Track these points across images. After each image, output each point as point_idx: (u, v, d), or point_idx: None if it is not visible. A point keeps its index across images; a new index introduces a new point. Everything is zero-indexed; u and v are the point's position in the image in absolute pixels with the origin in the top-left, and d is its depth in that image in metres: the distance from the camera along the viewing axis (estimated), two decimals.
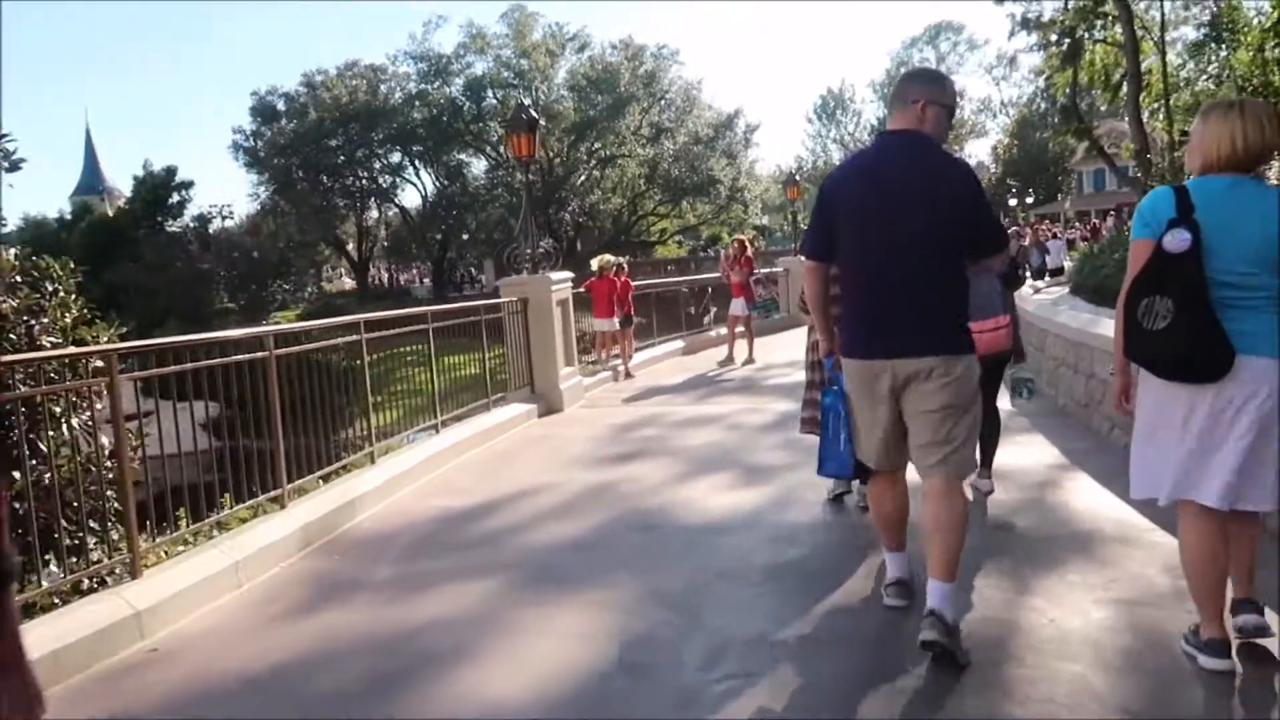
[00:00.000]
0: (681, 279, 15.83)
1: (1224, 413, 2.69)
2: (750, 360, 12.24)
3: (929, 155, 3.19)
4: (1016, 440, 6.49)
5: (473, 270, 57.70)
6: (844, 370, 3.34)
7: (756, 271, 12.51)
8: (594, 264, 11.53)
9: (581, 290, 11.45)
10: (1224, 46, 25.66)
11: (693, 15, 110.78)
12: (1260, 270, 2.67)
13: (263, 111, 47.42)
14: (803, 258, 3.56)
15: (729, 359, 12.35)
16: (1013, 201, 46.01)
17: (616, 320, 11.36)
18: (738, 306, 12.48)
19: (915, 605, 3.35)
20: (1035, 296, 12.60)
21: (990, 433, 4.83)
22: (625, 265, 12.04)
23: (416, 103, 46.28)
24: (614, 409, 9.30)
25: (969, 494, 3.74)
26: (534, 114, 9.74)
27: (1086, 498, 4.87)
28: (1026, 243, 23.07)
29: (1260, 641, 2.88)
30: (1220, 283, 2.66)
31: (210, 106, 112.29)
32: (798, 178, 20.56)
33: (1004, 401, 5.37)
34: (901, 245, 3.11)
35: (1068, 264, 19.54)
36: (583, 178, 46.93)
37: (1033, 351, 9.52)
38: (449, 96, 46.29)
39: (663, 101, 46.49)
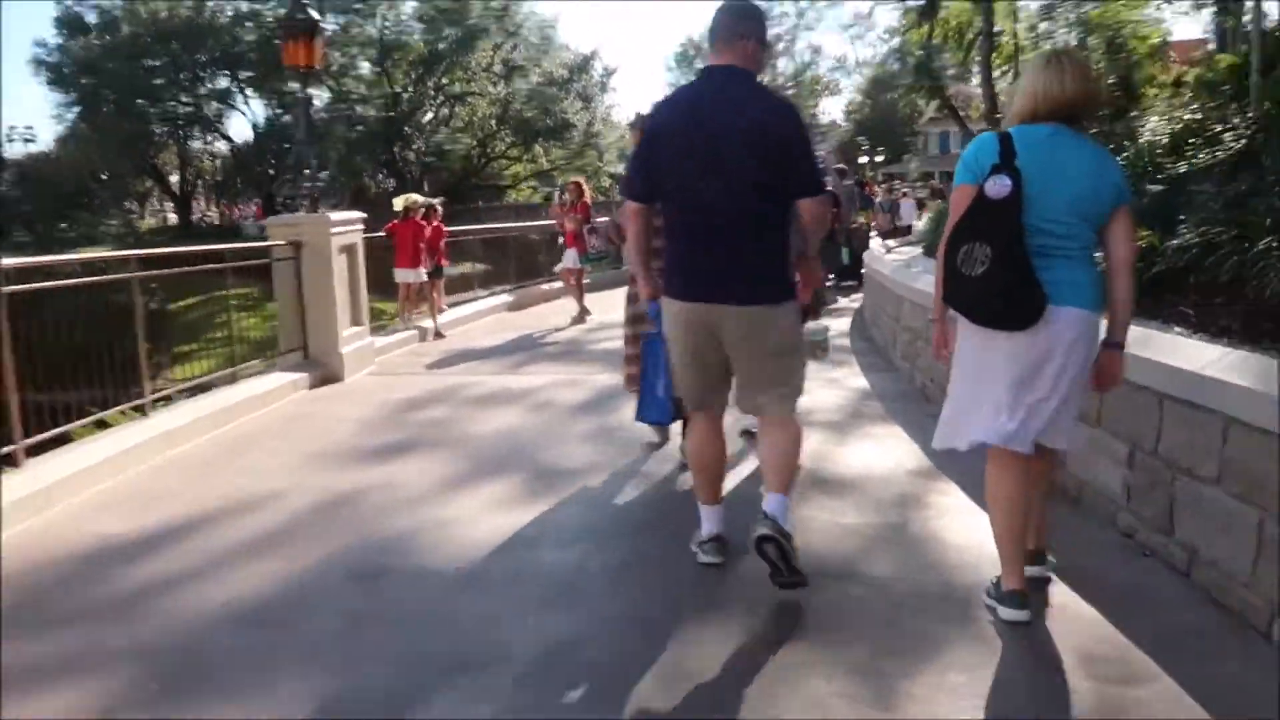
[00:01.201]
0: (509, 225, 14.06)
1: (1032, 359, 2.70)
2: (580, 319, 10.88)
3: (756, 93, 3.11)
4: (870, 433, 5.41)
5: (305, 208, 53.99)
6: (665, 311, 3.24)
7: (593, 220, 11.10)
8: (397, 204, 9.78)
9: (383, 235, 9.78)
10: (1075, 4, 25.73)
11: None
12: (1075, 220, 2.68)
13: (69, 23, 42.29)
14: (625, 198, 3.40)
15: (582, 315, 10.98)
16: (864, 159, 46.26)
17: (424, 270, 9.71)
18: (570, 259, 11.07)
19: (730, 563, 3.32)
20: (888, 257, 11.78)
21: None
22: (439, 207, 10.35)
23: (247, 23, 42.00)
24: (408, 378, 7.77)
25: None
26: (314, 14, 7.96)
27: (961, 524, 3.75)
28: (882, 199, 22.46)
29: None
30: (1037, 230, 2.64)
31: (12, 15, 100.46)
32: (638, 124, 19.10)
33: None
34: (727, 185, 2.99)
35: (918, 224, 19.03)
36: (430, 115, 44.18)
37: (889, 321, 8.61)
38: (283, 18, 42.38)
39: (516, 37, 43.97)
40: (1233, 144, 6.18)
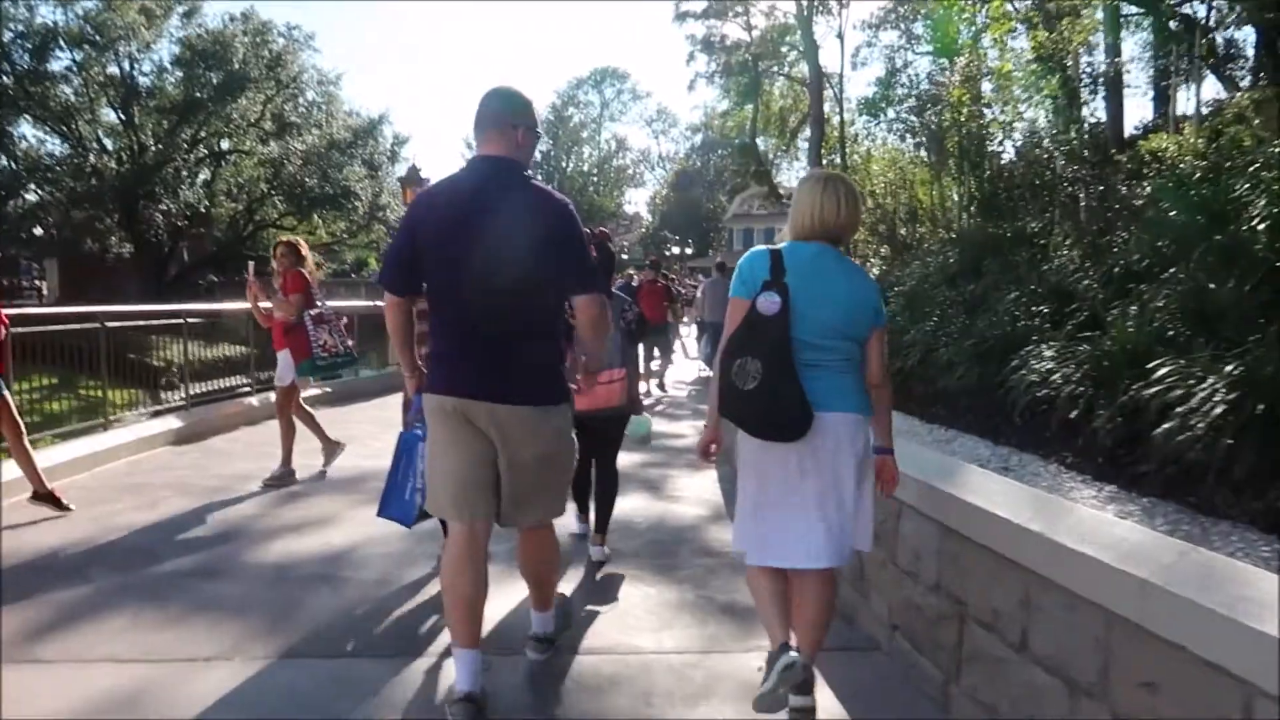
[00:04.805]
0: (177, 308, 8.75)
1: (804, 466, 2.73)
2: (286, 474, 6.42)
3: (529, 187, 2.94)
4: None
5: (35, 273, 46.06)
6: (427, 408, 3.02)
7: (322, 302, 6.70)
8: None
9: None
10: (891, 107, 24.14)
11: (342, 12, 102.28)
12: (836, 335, 2.77)
13: None
14: (385, 290, 3.09)
15: (331, 451, 6.68)
16: (676, 249, 44.19)
17: None
18: (285, 368, 6.62)
19: None
20: None
21: (606, 494, 4.68)
22: None
23: None
24: None
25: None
26: None
27: None
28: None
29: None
30: (804, 344, 2.72)
31: None
32: (422, 172, 14.94)
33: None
34: (497, 282, 2.85)
35: None
36: (185, 171, 38.03)
37: None
38: None
39: (289, 90, 38.83)
40: None
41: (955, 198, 14.68)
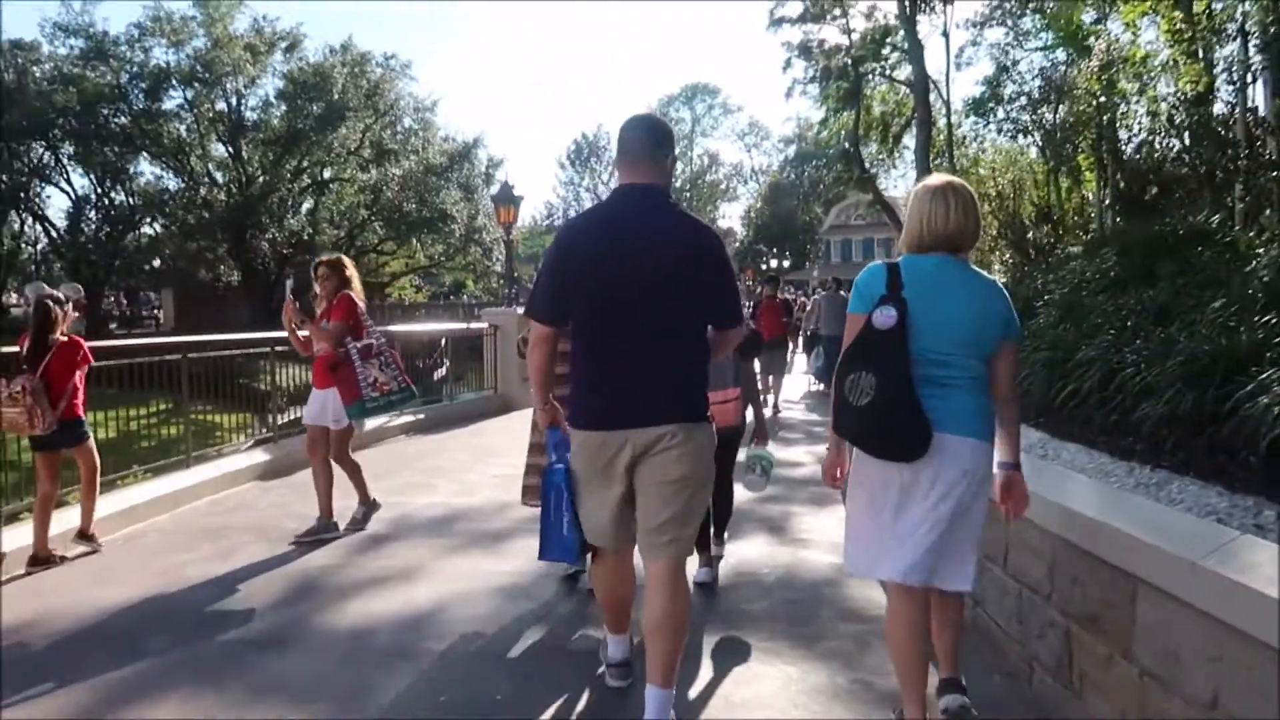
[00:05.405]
0: (254, 337, 8.19)
1: (921, 489, 2.64)
2: (369, 510, 5.89)
3: (678, 216, 2.97)
4: None
5: (153, 303, 47.98)
6: (575, 442, 3.02)
7: (371, 328, 5.78)
8: None
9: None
10: (1002, 106, 22.77)
11: (438, 36, 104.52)
12: (960, 350, 2.66)
13: None
14: (533, 321, 3.02)
15: (326, 522, 5.71)
16: (774, 263, 43.14)
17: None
18: (316, 407, 5.76)
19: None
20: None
21: (720, 513, 4.65)
22: (66, 302, 5.24)
23: (71, 87, 35.73)
24: None
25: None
26: None
27: None
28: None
29: None
30: (925, 360, 2.62)
31: None
32: (515, 190, 14.37)
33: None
34: (647, 310, 2.86)
35: None
36: (289, 200, 38.86)
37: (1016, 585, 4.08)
38: (116, 85, 36.53)
39: (387, 118, 39.37)
40: None
41: (1090, 196, 13.48)
